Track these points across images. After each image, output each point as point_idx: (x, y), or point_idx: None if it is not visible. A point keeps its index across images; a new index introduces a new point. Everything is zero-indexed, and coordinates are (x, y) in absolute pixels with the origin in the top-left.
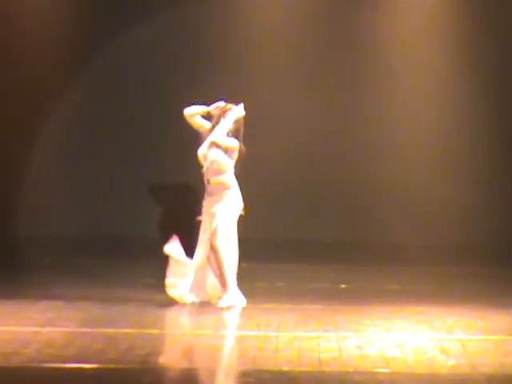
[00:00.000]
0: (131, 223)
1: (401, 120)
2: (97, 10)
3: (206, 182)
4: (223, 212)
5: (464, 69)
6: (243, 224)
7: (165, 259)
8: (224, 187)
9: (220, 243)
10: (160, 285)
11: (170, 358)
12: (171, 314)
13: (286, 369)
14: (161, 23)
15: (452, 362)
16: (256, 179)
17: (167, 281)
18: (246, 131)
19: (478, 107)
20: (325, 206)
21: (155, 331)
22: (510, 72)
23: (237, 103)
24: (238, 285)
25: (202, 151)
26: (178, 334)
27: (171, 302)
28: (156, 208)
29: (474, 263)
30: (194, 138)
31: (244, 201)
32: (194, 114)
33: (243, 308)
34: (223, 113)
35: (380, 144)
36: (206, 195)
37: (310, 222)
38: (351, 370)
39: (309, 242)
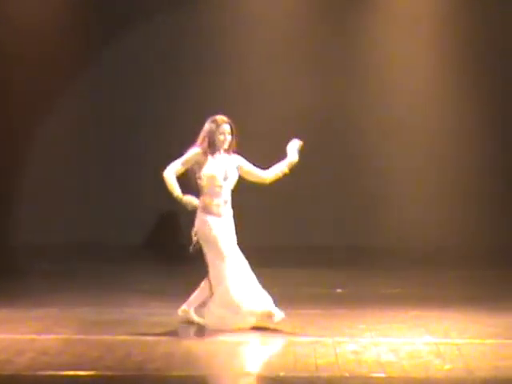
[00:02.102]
0: (125, 229)
1: (391, 126)
2: (93, 12)
3: (223, 203)
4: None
5: (457, 69)
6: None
7: (156, 264)
8: (230, 208)
9: None
10: (154, 290)
11: (166, 365)
12: (166, 320)
13: (282, 374)
14: (154, 28)
15: (448, 366)
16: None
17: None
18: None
19: (469, 109)
20: (319, 210)
21: (151, 338)
22: (501, 73)
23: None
24: None
25: (210, 172)
26: (173, 340)
27: (165, 308)
28: (148, 214)
29: (470, 266)
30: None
31: (239, 208)
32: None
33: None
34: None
35: (372, 150)
36: (215, 216)
37: (304, 226)
38: (347, 374)
39: (303, 246)
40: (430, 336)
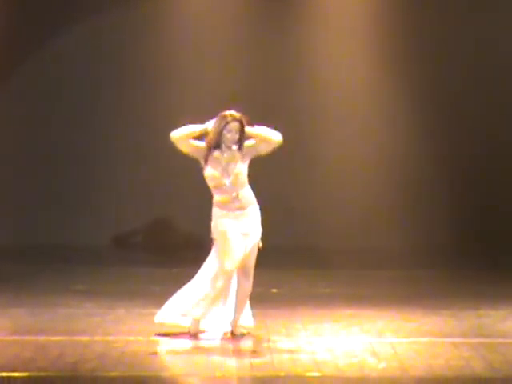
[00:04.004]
0: (60, 230)
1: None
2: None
3: (232, 197)
4: (258, 231)
5: (391, 74)
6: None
7: (93, 265)
8: (251, 201)
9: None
10: (89, 291)
11: (101, 365)
12: (101, 320)
13: (218, 374)
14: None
15: (382, 365)
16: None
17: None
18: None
19: (404, 112)
20: None
21: (85, 338)
22: (434, 80)
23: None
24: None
25: (210, 172)
26: (108, 340)
27: (100, 309)
28: (85, 214)
29: (404, 266)
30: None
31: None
32: (184, 137)
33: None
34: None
35: (311, 151)
36: (227, 211)
37: None
38: (282, 374)
39: None
40: (365, 335)
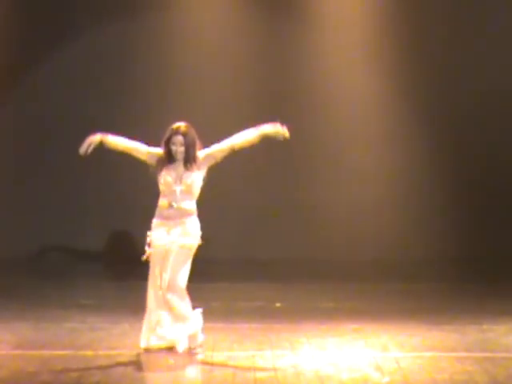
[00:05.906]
0: (67, 243)
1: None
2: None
3: (172, 205)
4: (191, 242)
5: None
6: None
7: (98, 281)
8: (190, 213)
9: (184, 280)
10: (94, 305)
11: (104, 380)
12: (105, 335)
13: None
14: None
15: (386, 380)
16: None
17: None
18: None
19: (407, 126)
20: (256, 223)
21: (89, 352)
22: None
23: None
24: None
25: (164, 177)
26: (112, 355)
27: (104, 323)
28: (89, 228)
29: (408, 280)
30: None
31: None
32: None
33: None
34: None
35: (314, 164)
36: (160, 220)
37: (243, 240)
38: None
39: (243, 260)
40: (369, 349)
